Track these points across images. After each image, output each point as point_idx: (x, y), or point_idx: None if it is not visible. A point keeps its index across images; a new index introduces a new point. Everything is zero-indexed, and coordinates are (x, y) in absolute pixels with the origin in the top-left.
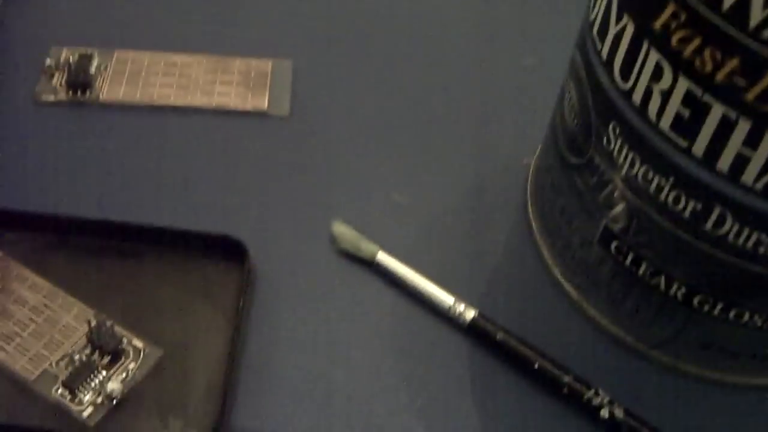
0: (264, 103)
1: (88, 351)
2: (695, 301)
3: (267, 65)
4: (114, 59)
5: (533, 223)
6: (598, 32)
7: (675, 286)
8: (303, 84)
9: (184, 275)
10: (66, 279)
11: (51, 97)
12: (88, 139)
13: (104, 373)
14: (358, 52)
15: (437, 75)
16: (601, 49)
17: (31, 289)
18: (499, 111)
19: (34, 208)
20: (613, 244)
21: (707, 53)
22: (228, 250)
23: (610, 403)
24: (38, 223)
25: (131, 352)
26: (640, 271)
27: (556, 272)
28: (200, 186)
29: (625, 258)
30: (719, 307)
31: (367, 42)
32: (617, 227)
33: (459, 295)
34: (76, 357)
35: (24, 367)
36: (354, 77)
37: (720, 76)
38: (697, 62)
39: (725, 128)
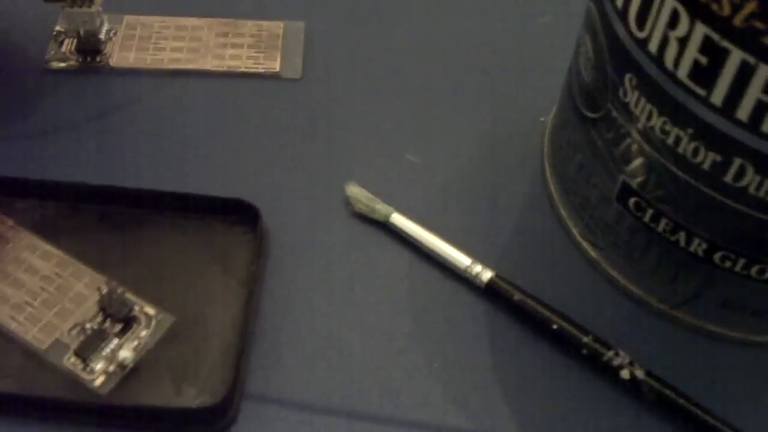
0: (276, 65)
1: (99, 319)
2: (716, 257)
3: (279, 27)
4: (123, 24)
5: (550, 182)
6: None
7: (695, 243)
8: (315, 45)
9: (196, 240)
10: (77, 247)
11: (61, 64)
12: (98, 105)
13: (116, 341)
14: (371, 12)
15: (451, 33)
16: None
17: (42, 257)
18: (514, 70)
19: (44, 176)
20: (632, 200)
21: None
22: (241, 214)
23: (631, 364)
24: (48, 190)
25: (143, 320)
26: (660, 228)
27: (575, 231)
28: (212, 150)
29: (644, 214)
30: (741, 263)
31: (380, 5)
32: (635, 182)
33: (475, 256)
34: (88, 326)
35: (35, 336)
36: (366, 37)
37: (738, 20)
38: (714, 6)
39: (744, 75)
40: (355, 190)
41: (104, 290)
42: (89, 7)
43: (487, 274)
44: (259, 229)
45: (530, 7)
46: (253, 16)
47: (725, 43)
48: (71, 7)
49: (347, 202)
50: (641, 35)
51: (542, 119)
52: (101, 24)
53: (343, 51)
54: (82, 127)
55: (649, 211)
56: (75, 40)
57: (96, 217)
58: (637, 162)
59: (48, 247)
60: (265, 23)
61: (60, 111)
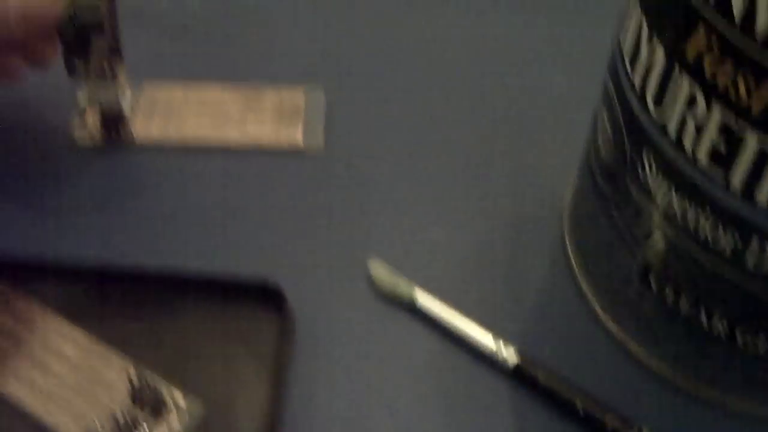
0: (298, 138)
1: (129, 406)
2: (739, 336)
3: (299, 96)
4: (145, 93)
5: (572, 257)
6: (630, 58)
7: (717, 322)
8: (336, 116)
9: (222, 323)
10: (104, 330)
11: (86, 139)
12: (123, 181)
13: (146, 429)
14: (390, 82)
15: (469, 105)
16: (633, 76)
17: (70, 341)
18: (531, 140)
19: (69, 256)
20: (653, 279)
21: (741, 81)
22: (266, 297)
23: None
24: (74, 272)
25: (172, 406)
26: (681, 306)
27: (597, 307)
28: (236, 226)
29: (665, 293)
30: (763, 341)
31: (399, 72)
32: (656, 261)
33: (499, 332)
34: (118, 413)
35: (67, 425)
36: (386, 108)
37: (755, 106)
38: (731, 91)
39: (763, 159)
40: (378, 269)
41: (134, 377)
42: (113, 84)
43: (512, 357)
44: (285, 314)
45: (545, 75)
46: (274, 84)
47: (743, 128)
48: (94, 83)
49: (371, 280)
50: (659, 115)
51: (560, 191)
52: (124, 98)
53: (364, 120)
54: (106, 204)
55: (670, 290)
56: (99, 115)
57: (122, 298)
58: (657, 241)
59: (75, 331)
60: (285, 91)
61: (85, 188)
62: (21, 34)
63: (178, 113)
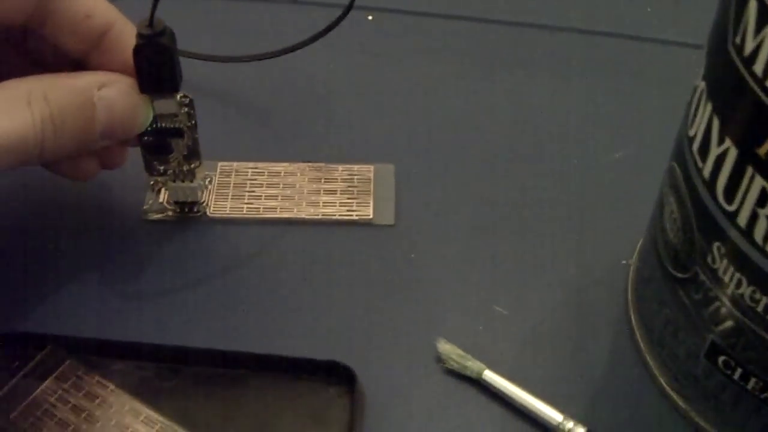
0: (369, 212)
1: None
2: None
3: (369, 171)
4: (218, 171)
5: (637, 332)
6: (699, 151)
7: None
8: (406, 189)
9: (293, 402)
10: (178, 410)
11: (159, 215)
12: (195, 259)
13: None
14: (456, 156)
15: (537, 178)
16: (702, 169)
17: (145, 422)
18: (595, 213)
19: (141, 335)
20: (721, 359)
21: None
22: (337, 375)
23: None
24: (147, 352)
25: None
26: (750, 386)
27: (663, 382)
28: (306, 303)
29: (733, 372)
30: None
31: (467, 146)
32: (724, 343)
33: (566, 409)
34: None
35: None
36: (452, 182)
37: None
38: None
39: None
40: (446, 347)
41: None
42: (191, 181)
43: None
44: (355, 392)
45: (606, 143)
46: (344, 160)
47: None
48: (173, 182)
49: (439, 358)
50: (730, 208)
51: (624, 262)
52: (199, 189)
53: (433, 194)
54: (178, 282)
55: (739, 370)
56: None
57: (195, 379)
58: (726, 324)
59: (149, 412)
60: (356, 167)
61: (157, 266)
62: (102, 145)
63: (250, 189)
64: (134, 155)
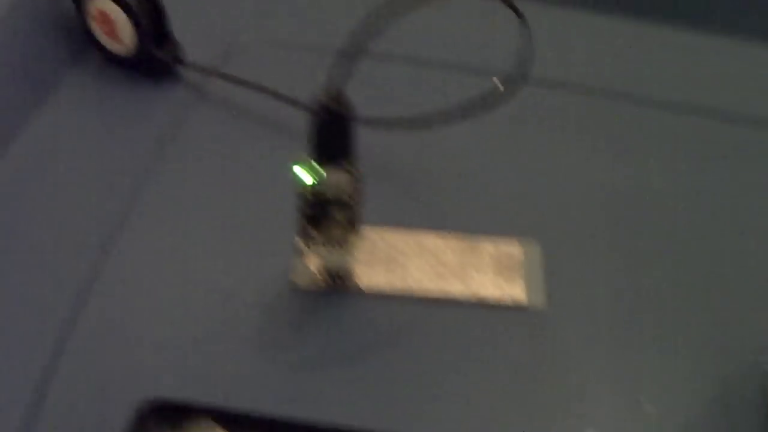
0: (522, 294)
1: None
2: None
3: (516, 248)
4: (364, 239)
5: None
6: None
7: None
8: (553, 270)
9: None
10: None
11: (308, 283)
12: (346, 334)
13: None
14: (605, 235)
15: (687, 259)
16: None
17: None
18: (739, 298)
19: (289, 409)
20: None
21: None
22: None
23: None
24: (294, 427)
25: None
26: None
27: None
28: (452, 386)
29: None
30: None
31: (611, 223)
32: None
33: None
34: None
35: None
36: (599, 263)
37: None
38: None
39: None
40: None
41: None
42: (341, 248)
43: None
44: None
45: (745, 234)
46: (485, 231)
47: None
48: (324, 246)
49: None
50: None
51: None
52: (351, 260)
53: (575, 277)
54: (328, 358)
55: None
56: (323, 267)
57: None
58: None
59: None
60: (501, 242)
61: (306, 337)
62: None
63: (399, 261)
64: (280, 219)
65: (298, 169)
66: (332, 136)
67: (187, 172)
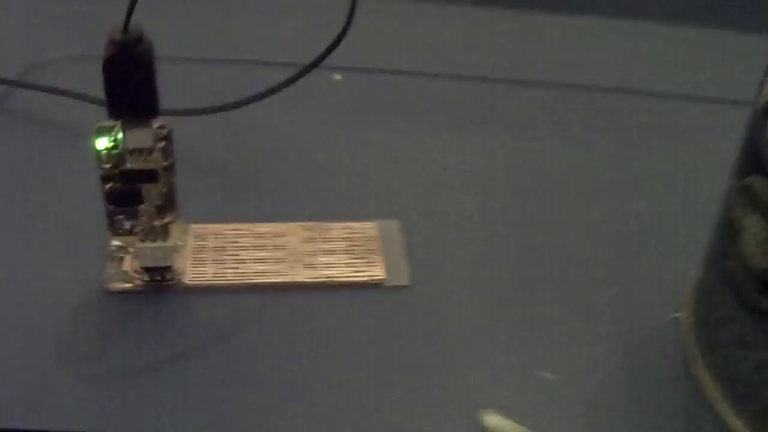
0: (381, 272)
1: None
2: None
3: (372, 228)
4: (190, 234)
5: (709, 388)
6: None
7: None
8: (415, 247)
9: None
10: None
11: (125, 285)
12: (172, 335)
13: None
14: (462, 212)
15: (555, 231)
16: None
17: None
18: (625, 264)
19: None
20: None
21: None
22: None
23: None
24: None
25: None
26: None
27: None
28: (313, 381)
29: None
30: None
31: (470, 201)
32: None
33: None
34: None
35: None
36: (465, 238)
37: None
38: None
39: None
40: (494, 421)
41: None
42: (164, 240)
43: None
44: None
45: (624, 192)
46: (332, 218)
47: None
48: (142, 242)
49: None
50: None
51: (676, 315)
52: (175, 254)
53: (444, 252)
54: (152, 366)
55: None
56: (141, 266)
57: None
58: None
59: None
60: (356, 224)
61: (124, 345)
62: None
63: (233, 253)
64: (84, 217)
65: (97, 140)
66: (134, 85)
67: None
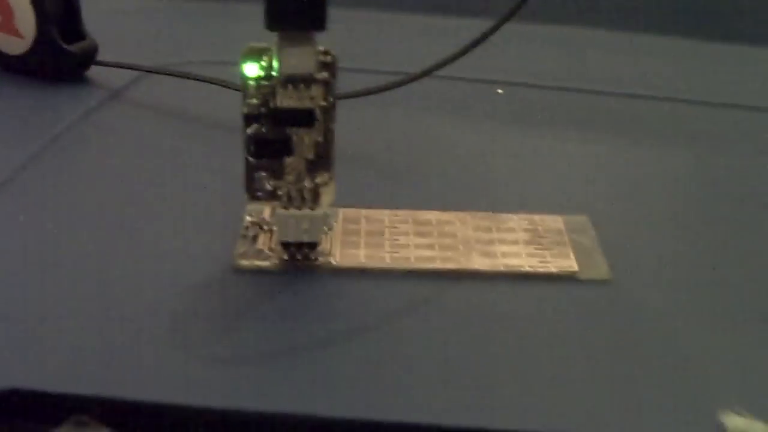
0: (572, 264)
1: None
2: None
3: (557, 222)
4: (341, 217)
5: None
6: None
7: None
8: (607, 243)
9: None
10: None
11: (261, 263)
12: (315, 316)
13: None
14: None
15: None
16: None
17: None
18: None
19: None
20: None
21: None
22: None
23: None
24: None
25: None
26: None
27: None
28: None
29: None
30: None
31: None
32: None
33: None
34: None
35: None
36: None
37: None
38: None
39: None
40: (738, 422)
41: None
42: (312, 208)
43: None
44: None
45: None
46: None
47: None
48: (286, 209)
49: None
50: None
51: None
52: (325, 228)
53: (642, 250)
54: (296, 352)
55: None
56: (282, 243)
57: None
58: None
59: None
60: (538, 217)
61: (260, 328)
62: None
63: (390, 237)
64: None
65: (245, 65)
66: None
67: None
